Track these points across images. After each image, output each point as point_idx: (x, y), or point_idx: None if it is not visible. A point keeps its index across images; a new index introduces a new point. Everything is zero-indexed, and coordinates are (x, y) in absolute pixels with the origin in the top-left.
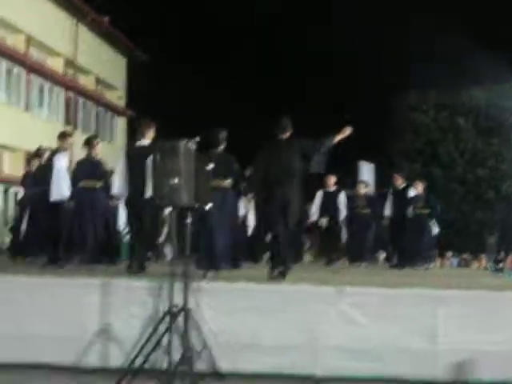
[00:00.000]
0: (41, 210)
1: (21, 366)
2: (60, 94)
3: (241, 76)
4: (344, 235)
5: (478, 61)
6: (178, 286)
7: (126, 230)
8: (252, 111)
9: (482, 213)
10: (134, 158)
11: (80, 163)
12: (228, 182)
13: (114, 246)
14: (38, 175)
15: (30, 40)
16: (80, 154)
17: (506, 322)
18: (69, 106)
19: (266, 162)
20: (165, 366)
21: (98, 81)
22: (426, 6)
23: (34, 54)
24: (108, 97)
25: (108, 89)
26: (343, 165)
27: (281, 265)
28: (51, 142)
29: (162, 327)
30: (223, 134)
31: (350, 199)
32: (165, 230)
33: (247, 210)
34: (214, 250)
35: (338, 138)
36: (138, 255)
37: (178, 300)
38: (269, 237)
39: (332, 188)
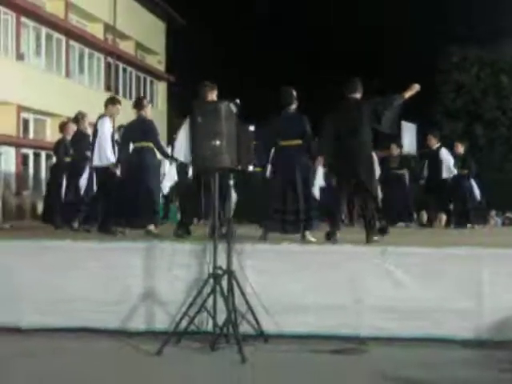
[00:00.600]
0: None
1: (67, 330)
2: (100, 60)
3: (284, 42)
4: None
5: None
6: (222, 248)
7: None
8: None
9: None
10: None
11: (131, 125)
12: (299, 142)
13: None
14: (77, 141)
15: (68, 6)
16: (121, 119)
17: None
18: (109, 71)
19: (335, 123)
20: (210, 328)
21: (138, 46)
22: None
23: (74, 19)
24: (148, 62)
25: (148, 53)
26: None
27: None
28: (92, 108)
29: (206, 289)
30: (294, 93)
31: (386, 160)
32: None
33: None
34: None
35: (407, 94)
36: (187, 219)
37: (222, 262)
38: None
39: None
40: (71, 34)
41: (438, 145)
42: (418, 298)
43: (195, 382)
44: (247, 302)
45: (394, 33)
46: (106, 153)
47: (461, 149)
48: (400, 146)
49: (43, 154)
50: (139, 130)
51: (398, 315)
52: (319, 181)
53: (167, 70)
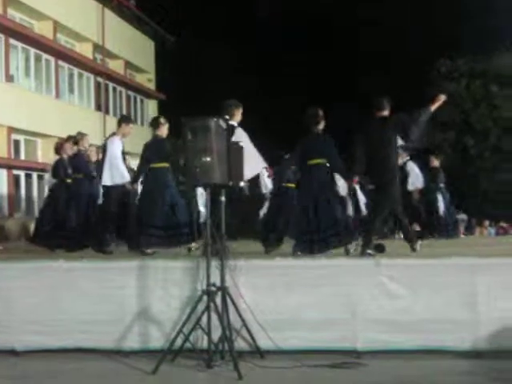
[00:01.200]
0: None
1: (62, 351)
2: (90, 80)
3: (269, 57)
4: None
5: (507, 25)
6: (215, 265)
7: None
8: (281, 92)
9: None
10: None
11: (148, 145)
12: (323, 161)
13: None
14: (77, 161)
15: (57, 26)
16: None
17: None
18: (99, 91)
19: (365, 142)
20: (205, 345)
21: (127, 64)
22: None
23: (62, 40)
24: (138, 80)
25: (137, 72)
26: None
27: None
28: (83, 128)
29: (201, 307)
30: (321, 113)
31: None
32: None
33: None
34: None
35: (434, 107)
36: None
37: (216, 279)
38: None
39: None
40: (60, 54)
41: (407, 158)
42: (413, 309)
43: None
44: (242, 319)
45: (384, 44)
46: (118, 171)
47: (436, 162)
48: None
49: (34, 174)
50: (155, 150)
51: (394, 328)
52: (362, 198)
53: (157, 88)
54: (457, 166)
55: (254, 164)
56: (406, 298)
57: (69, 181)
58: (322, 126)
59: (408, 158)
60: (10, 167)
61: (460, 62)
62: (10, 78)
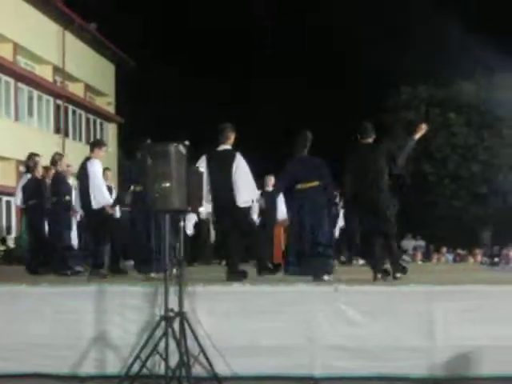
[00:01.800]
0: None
1: (19, 376)
2: (49, 102)
3: (229, 80)
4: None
5: (467, 54)
6: (173, 290)
7: None
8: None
9: (475, 208)
10: (218, 162)
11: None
12: (316, 184)
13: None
14: (58, 184)
15: (17, 48)
16: (72, 161)
17: (504, 317)
18: (58, 113)
19: (355, 167)
20: (162, 371)
21: (87, 88)
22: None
23: (22, 62)
24: (98, 103)
25: (97, 95)
26: (334, 163)
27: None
28: (42, 151)
29: (158, 332)
30: (310, 136)
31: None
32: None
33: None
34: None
35: (417, 136)
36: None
37: (174, 304)
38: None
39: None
40: (20, 76)
41: None
42: (371, 336)
43: None
44: (200, 345)
45: (343, 70)
46: (102, 194)
47: None
48: None
49: None
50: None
51: (351, 354)
52: (341, 223)
53: (117, 111)
54: (415, 193)
55: (250, 191)
56: (363, 324)
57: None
58: (306, 148)
59: None
60: None
61: (421, 88)
62: None
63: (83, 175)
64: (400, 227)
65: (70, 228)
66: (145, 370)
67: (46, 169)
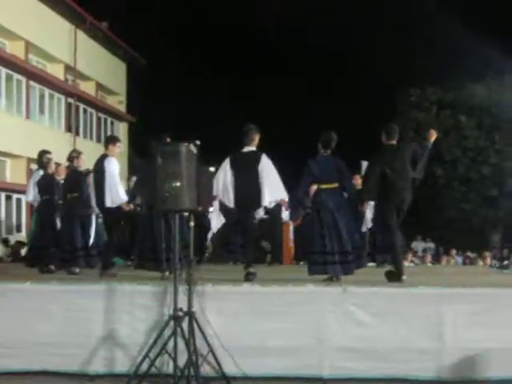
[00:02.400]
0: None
1: (28, 373)
2: (60, 101)
3: (241, 78)
4: None
5: (480, 57)
6: (183, 290)
7: None
8: (252, 113)
9: (485, 210)
10: (243, 164)
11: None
12: (336, 185)
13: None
14: (75, 181)
15: (29, 47)
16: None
17: None
18: (70, 112)
19: (381, 168)
20: (171, 370)
21: (99, 86)
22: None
23: (34, 60)
24: (109, 102)
25: (108, 94)
26: (346, 165)
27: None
28: (53, 150)
29: (167, 331)
30: (335, 137)
31: None
32: None
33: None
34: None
35: (431, 142)
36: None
37: (183, 304)
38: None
39: None
40: (32, 74)
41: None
42: (379, 338)
43: None
44: (208, 344)
45: (354, 71)
46: (118, 193)
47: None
48: None
49: (3, 194)
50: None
51: (360, 355)
52: (368, 223)
53: (128, 110)
54: (424, 195)
55: (275, 191)
56: (372, 326)
57: (60, 201)
58: (331, 149)
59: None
60: None
61: (430, 91)
62: None
63: (99, 173)
64: (410, 229)
65: (90, 225)
66: (153, 369)
67: (57, 165)
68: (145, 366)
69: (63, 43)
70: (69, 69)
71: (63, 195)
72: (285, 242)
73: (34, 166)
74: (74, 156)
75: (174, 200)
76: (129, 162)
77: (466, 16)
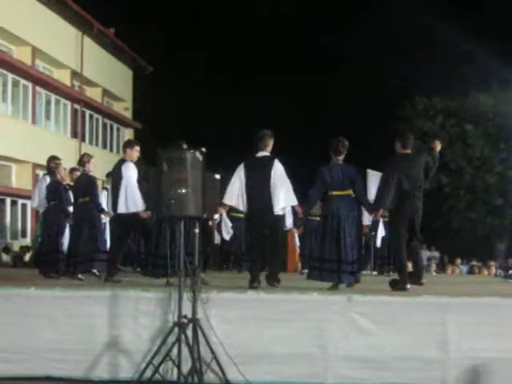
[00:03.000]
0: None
1: (31, 379)
2: (67, 107)
3: (247, 87)
4: None
5: (485, 66)
6: (187, 297)
7: None
8: (259, 122)
9: (491, 219)
10: (256, 169)
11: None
12: (349, 192)
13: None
14: (86, 185)
15: (36, 52)
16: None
17: None
18: (76, 118)
19: (398, 176)
20: (174, 377)
21: (105, 93)
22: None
23: (40, 66)
24: (115, 108)
25: (115, 100)
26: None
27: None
28: (58, 155)
29: (171, 338)
30: (347, 143)
31: None
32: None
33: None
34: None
35: (437, 151)
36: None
37: (187, 311)
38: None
39: None
40: (38, 80)
41: None
42: (384, 346)
43: None
44: (212, 351)
45: (359, 79)
46: (134, 199)
47: None
48: None
49: (8, 200)
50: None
51: (364, 364)
52: (381, 232)
53: (134, 116)
54: (430, 203)
55: (288, 197)
56: (376, 334)
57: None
58: (343, 156)
59: None
60: None
61: (436, 99)
62: None
63: (116, 178)
64: None
65: (101, 229)
66: (157, 376)
67: (70, 171)
68: (148, 373)
69: (70, 49)
70: (75, 75)
71: (75, 199)
72: (289, 250)
73: (40, 172)
74: (85, 160)
75: (179, 206)
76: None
77: (472, 25)
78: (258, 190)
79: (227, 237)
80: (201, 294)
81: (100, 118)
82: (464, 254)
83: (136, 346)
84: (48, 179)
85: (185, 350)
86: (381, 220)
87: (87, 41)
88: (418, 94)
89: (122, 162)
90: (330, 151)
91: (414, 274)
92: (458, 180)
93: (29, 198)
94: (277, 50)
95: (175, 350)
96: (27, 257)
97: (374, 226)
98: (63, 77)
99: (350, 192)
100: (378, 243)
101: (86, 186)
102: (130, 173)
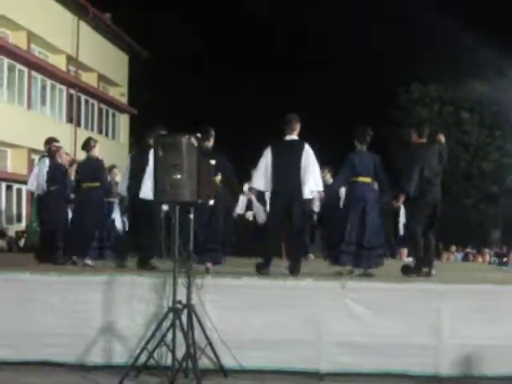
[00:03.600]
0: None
1: (26, 364)
2: (62, 92)
3: (242, 73)
4: None
5: (481, 54)
6: (182, 282)
7: None
8: (254, 108)
9: (485, 207)
10: (286, 152)
11: None
12: (370, 180)
13: None
14: (95, 169)
15: (31, 37)
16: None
17: (511, 317)
18: (71, 103)
19: (421, 165)
20: (169, 362)
21: (101, 78)
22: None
23: (36, 51)
24: (110, 94)
25: (110, 86)
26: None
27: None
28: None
29: (166, 324)
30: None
31: None
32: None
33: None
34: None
35: (443, 143)
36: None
37: (182, 296)
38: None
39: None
40: (33, 65)
41: None
42: (377, 333)
43: None
44: (207, 337)
45: (355, 68)
46: (148, 187)
47: None
48: None
49: (3, 184)
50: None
51: (357, 350)
52: (403, 219)
53: (129, 102)
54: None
55: (317, 182)
56: (370, 321)
57: (88, 186)
58: (367, 144)
59: None
60: None
61: (431, 87)
62: None
63: (143, 162)
64: None
65: (109, 215)
66: (151, 361)
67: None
68: (143, 358)
69: (66, 34)
70: (71, 60)
71: (78, 184)
72: None
73: (35, 156)
74: (92, 145)
75: (174, 192)
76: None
77: (468, 13)
78: (287, 173)
79: (262, 220)
80: (196, 280)
81: (95, 103)
82: (459, 241)
83: (130, 331)
84: (47, 162)
85: (179, 336)
86: (402, 207)
87: (83, 26)
88: (413, 81)
89: (148, 147)
90: (355, 139)
91: (424, 263)
92: (454, 167)
93: (24, 182)
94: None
95: (170, 336)
96: (22, 242)
97: (395, 213)
98: (59, 62)
99: (371, 180)
100: (401, 231)
101: (94, 170)
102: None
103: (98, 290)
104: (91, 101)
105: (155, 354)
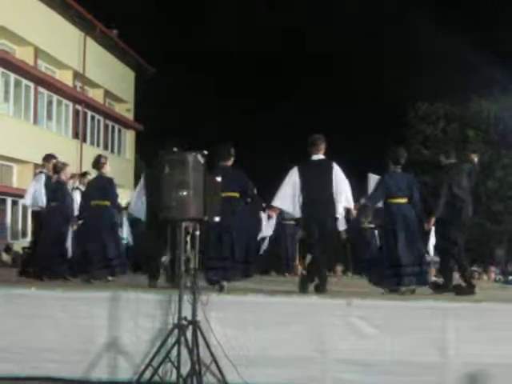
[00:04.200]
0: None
1: (31, 379)
2: (68, 107)
3: (250, 90)
4: None
5: (486, 72)
6: (187, 299)
7: None
8: (261, 125)
9: (490, 225)
10: (314, 172)
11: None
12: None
13: None
14: (104, 186)
15: (38, 53)
16: (88, 167)
17: None
18: (77, 119)
19: (450, 186)
20: (173, 379)
21: (107, 94)
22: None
23: (43, 66)
24: (116, 110)
25: (116, 102)
26: (352, 177)
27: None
28: (59, 156)
29: (171, 340)
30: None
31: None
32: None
33: None
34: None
35: (476, 163)
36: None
37: (187, 313)
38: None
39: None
40: (40, 80)
41: None
42: (383, 351)
43: None
44: (212, 354)
45: (364, 84)
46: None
47: None
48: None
49: (9, 200)
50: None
51: (363, 368)
52: (433, 240)
53: (135, 118)
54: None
55: (349, 199)
56: (376, 339)
57: (99, 203)
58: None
59: None
60: None
61: (438, 105)
62: None
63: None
64: None
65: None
66: (156, 378)
67: (82, 175)
68: (148, 375)
69: (72, 50)
70: (77, 75)
71: (86, 202)
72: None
73: (38, 170)
74: (103, 162)
75: (180, 209)
76: (135, 169)
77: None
78: (318, 194)
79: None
80: (201, 296)
81: (101, 119)
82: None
83: (135, 347)
84: (44, 177)
85: (184, 352)
86: (433, 228)
87: (90, 42)
88: (419, 100)
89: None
90: (390, 160)
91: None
92: None
93: None
94: (277, 50)
95: (175, 352)
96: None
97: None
98: (65, 77)
99: (406, 200)
100: (431, 252)
101: (105, 188)
102: None
103: (103, 306)
104: (97, 117)
105: (160, 371)
